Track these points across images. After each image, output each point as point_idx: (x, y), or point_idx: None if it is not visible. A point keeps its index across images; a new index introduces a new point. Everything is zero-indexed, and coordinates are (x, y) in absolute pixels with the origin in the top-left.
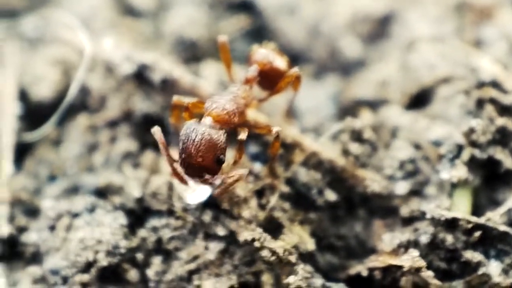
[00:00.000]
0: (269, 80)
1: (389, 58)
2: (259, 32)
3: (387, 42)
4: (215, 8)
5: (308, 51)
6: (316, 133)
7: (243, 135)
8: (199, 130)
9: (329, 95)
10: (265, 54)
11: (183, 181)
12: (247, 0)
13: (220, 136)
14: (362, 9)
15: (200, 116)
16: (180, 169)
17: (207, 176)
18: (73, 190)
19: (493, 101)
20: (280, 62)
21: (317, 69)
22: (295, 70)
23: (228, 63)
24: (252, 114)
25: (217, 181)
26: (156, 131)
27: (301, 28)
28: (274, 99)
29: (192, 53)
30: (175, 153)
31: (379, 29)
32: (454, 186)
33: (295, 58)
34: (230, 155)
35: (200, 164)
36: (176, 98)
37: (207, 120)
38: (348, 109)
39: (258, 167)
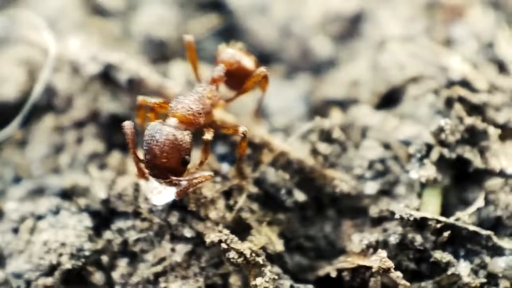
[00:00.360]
0: (236, 79)
1: (360, 57)
2: (230, 32)
3: (358, 42)
4: (185, 8)
5: (279, 51)
6: (286, 133)
7: (208, 136)
8: (164, 131)
9: (300, 95)
10: (232, 53)
11: (148, 180)
12: (216, 0)
13: (184, 136)
14: (333, 8)
15: (165, 117)
16: (145, 169)
17: (172, 177)
18: (38, 192)
19: (462, 100)
20: (247, 62)
21: (288, 69)
22: (262, 69)
23: (195, 62)
24: (219, 114)
25: (183, 182)
26: (127, 125)
27: (272, 28)
28: (243, 99)
29: (161, 53)
30: (140, 154)
31: (350, 28)
32: (423, 185)
33: (266, 58)
34: (196, 155)
35: (165, 165)
36: (141, 98)
37: (172, 121)
38: (319, 109)
39: (225, 167)
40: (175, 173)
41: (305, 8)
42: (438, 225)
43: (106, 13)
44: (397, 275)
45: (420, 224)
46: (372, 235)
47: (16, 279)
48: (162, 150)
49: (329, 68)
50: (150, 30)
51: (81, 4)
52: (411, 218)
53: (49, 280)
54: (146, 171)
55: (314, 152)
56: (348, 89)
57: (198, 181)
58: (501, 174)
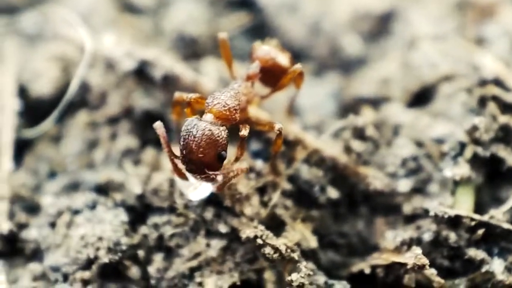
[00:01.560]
0: (271, 76)
1: (391, 56)
2: (260, 30)
3: (388, 40)
4: (215, 5)
5: (309, 48)
6: (317, 131)
7: (244, 132)
8: (200, 126)
9: (330, 93)
10: (267, 50)
11: (184, 177)
12: None
13: (221, 132)
14: (363, 6)
15: (201, 113)
16: (181, 165)
17: (208, 173)
18: (73, 187)
19: (495, 98)
20: (283, 59)
21: (318, 67)
22: (297, 66)
23: (229, 60)
24: (253, 111)
25: (219, 178)
26: (158, 126)
27: (302, 25)
28: (276, 96)
29: (192, 50)
30: (176, 150)
31: (380, 26)
32: (457, 183)
33: (296, 56)
34: (231, 152)
35: (201, 160)
36: (177, 94)
37: (208, 117)
38: (350, 107)
39: (260, 164)
40: (211, 168)
41: (335, 6)
42: (472, 223)
43: (137, 10)
44: (431, 272)
45: (454, 222)
46: (406, 232)
47: (54, 272)
48: (199, 145)
49: (359, 66)
50: (181, 27)
51: (112, 1)
52: (445, 216)
53: (86, 274)
54: (182, 167)
55: (347, 149)
56: (379, 87)
57: (235, 174)
58: None
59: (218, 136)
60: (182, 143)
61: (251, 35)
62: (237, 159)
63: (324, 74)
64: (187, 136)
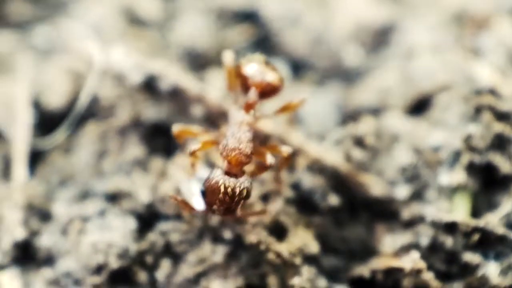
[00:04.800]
0: (266, 94)
1: (390, 66)
2: (263, 42)
3: (388, 51)
4: (221, 18)
5: (311, 59)
6: (319, 139)
7: (271, 160)
8: (227, 183)
9: (332, 102)
10: (258, 73)
11: (192, 210)
12: (250, 10)
13: (250, 185)
14: (364, 19)
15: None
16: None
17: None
18: (84, 196)
19: (490, 108)
20: (273, 77)
21: (320, 77)
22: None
23: (231, 77)
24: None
25: (237, 214)
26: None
27: (305, 37)
28: (278, 104)
29: (198, 62)
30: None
31: (380, 38)
32: (454, 190)
33: (298, 66)
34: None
35: (229, 208)
36: (176, 129)
37: (227, 167)
38: (351, 116)
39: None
40: (233, 211)
41: (336, 18)
42: (468, 228)
43: (144, 23)
44: (429, 276)
45: (451, 227)
46: (404, 238)
47: (66, 278)
48: (232, 200)
49: (360, 76)
50: (188, 40)
51: (120, 13)
52: (442, 222)
53: (97, 279)
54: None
55: (348, 157)
56: (378, 96)
57: (252, 215)
58: None
59: (248, 190)
60: (209, 196)
61: (255, 47)
62: (277, 192)
63: (326, 84)
64: (214, 192)
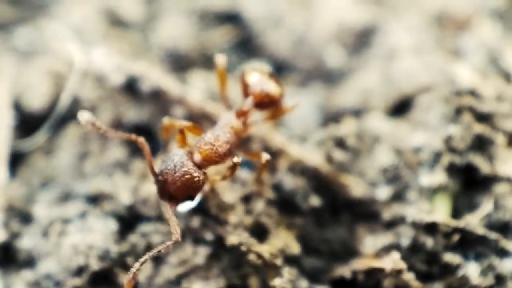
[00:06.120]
0: (263, 105)
1: (372, 67)
2: (246, 43)
3: (370, 52)
4: (203, 19)
5: (293, 60)
6: (301, 140)
7: (237, 160)
8: (184, 167)
9: (314, 103)
10: (259, 83)
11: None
12: (233, 12)
13: (200, 180)
14: (346, 20)
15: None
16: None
17: (170, 202)
18: (65, 197)
19: (471, 109)
20: (274, 89)
21: (303, 78)
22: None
23: (223, 82)
24: None
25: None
26: (142, 143)
27: (287, 38)
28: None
29: (180, 63)
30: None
31: (362, 39)
32: (434, 191)
33: (281, 68)
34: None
35: (171, 194)
36: (167, 120)
37: (196, 157)
38: (333, 117)
39: (245, 174)
40: (175, 202)
41: (318, 20)
42: (449, 229)
43: (127, 24)
44: (409, 276)
45: (431, 228)
46: (385, 238)
47: (46, 280)
48: (175, 182)
49: (342, 77)
50: (170, 41)
51: (102, 15)
52: (423, 222)
53: (77, 281)
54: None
55: (329, 158)
56: (360, 98)
57: (172, 222)
58: (509, 180)
59: (195, 184)
60: (162, 168)
61: (238, 48)
62: (224, 178)
63: (308, 85)
64: (168, 167)
